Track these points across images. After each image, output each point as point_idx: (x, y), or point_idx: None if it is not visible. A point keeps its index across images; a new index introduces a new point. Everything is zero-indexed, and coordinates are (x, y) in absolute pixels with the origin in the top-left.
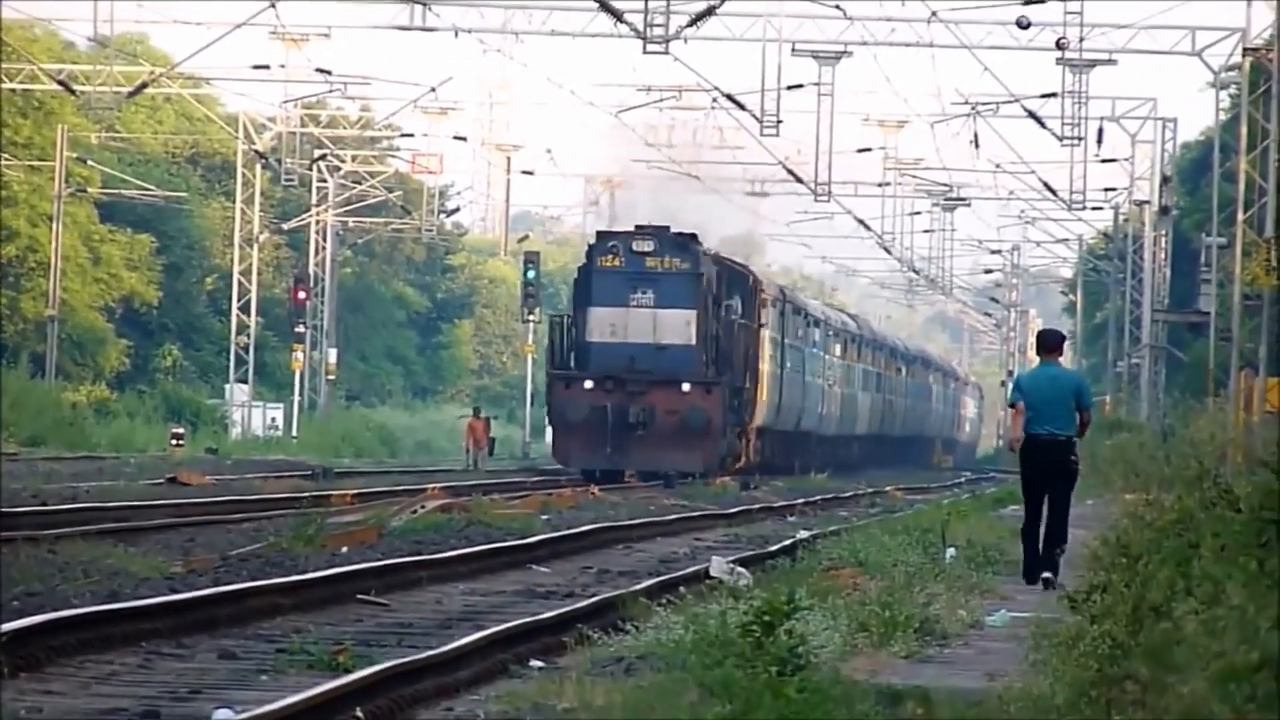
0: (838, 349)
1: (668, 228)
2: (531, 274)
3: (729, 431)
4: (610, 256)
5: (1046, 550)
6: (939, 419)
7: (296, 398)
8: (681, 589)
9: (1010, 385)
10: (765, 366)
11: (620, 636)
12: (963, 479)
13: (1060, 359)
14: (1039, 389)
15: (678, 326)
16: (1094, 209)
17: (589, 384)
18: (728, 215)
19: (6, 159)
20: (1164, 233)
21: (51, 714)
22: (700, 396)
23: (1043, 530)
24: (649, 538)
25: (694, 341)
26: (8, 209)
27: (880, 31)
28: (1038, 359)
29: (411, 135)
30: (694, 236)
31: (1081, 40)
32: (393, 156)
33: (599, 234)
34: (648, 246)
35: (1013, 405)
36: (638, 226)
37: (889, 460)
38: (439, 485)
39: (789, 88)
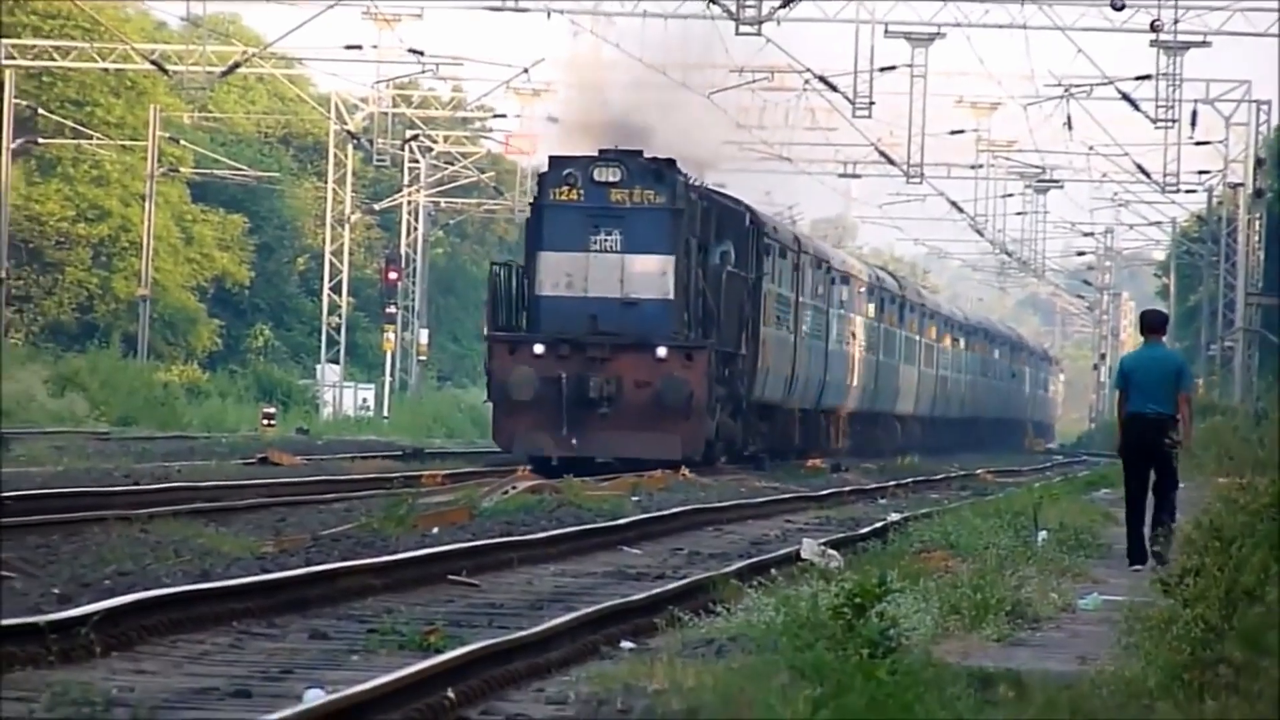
0: (872, 310)
1: (640, 152)
2: None
3: (717, 409)
4: (566, 188)
5: (1152, 530)
6: (1025, 401)
7: (388, 378)
8: (772, 571)
9: (1116, 370)
10: (769, 329)
11: (711, 618)
12: (1052, 463)
13: (1163, 339)
14: (1142, 367)
15: (650, 276)
16: (1188, 192)
17: (539, 349)
18: (820, 197)
19: (99, 138)
20: (1258, 215)
21: (143, 693)
22: (679, 365)
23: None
24: (739, 520)
25: (671, 295)
26: (100, 189)
27: (974, 13)
28: (1142, 339)
29: (504, 116)
30: (671, 162)
31: (1176, 22)
32: (485, 137)
33: (551, 159)
34: (613, 175)
35: (1119, 389)
36: (602, 151)
37: (941, 449)
38: (529, 466)
39: (881, 69)
